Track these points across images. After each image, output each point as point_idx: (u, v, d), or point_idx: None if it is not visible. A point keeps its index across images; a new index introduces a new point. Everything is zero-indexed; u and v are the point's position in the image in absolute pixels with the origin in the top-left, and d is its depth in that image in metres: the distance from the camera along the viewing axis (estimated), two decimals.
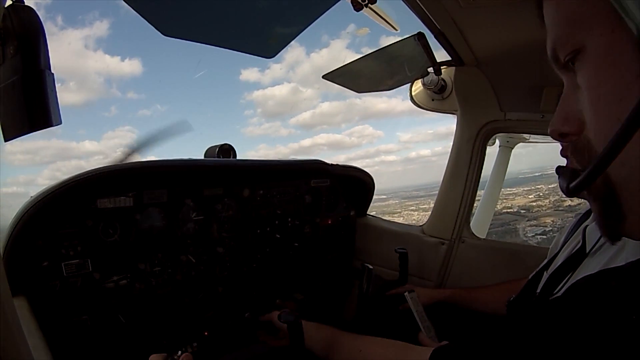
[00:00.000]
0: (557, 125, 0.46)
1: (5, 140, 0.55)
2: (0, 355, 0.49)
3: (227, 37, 1.22)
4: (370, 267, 1.61)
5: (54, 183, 1.10)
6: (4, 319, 0.50)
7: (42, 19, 0.54)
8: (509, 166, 3.10)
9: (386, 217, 2.13)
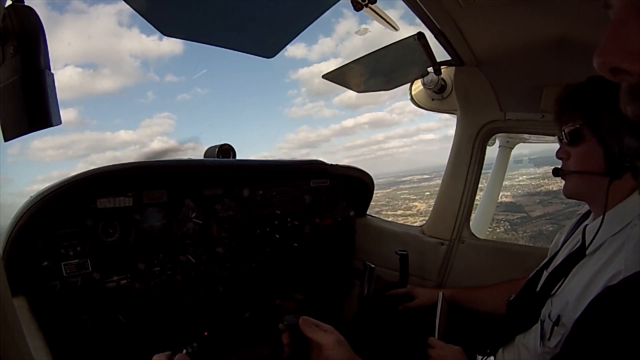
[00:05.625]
0: (611, 57, 0.34)
1: (5, 140, 0.55)
2: (0, 355, 0.49)
3: (227, 37, 1.23)
4: (372, 265, 1.60)
5: (54, 183, 1.10)
6: (4, 319, 0.50)
7: None
8: None
9: None
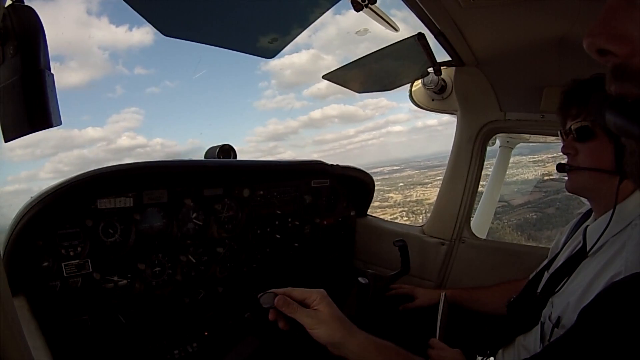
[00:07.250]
0: (598, 39, 0.37)
1: (6, 141, 0.55)
2: (0, 355, 0.49)
3: (227, 37, 1.23)
4: (364, 281, 1.58)
5: (55, 183, 1.10)
6: (4, 319, 0.50)
7: None
8: None
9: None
